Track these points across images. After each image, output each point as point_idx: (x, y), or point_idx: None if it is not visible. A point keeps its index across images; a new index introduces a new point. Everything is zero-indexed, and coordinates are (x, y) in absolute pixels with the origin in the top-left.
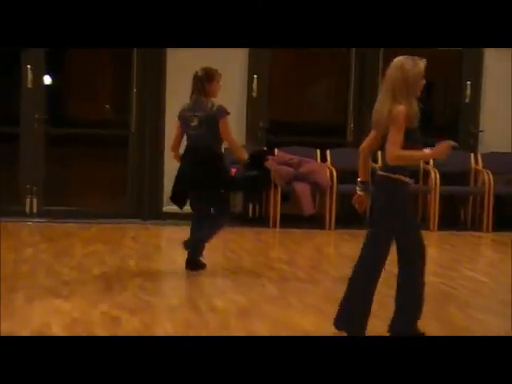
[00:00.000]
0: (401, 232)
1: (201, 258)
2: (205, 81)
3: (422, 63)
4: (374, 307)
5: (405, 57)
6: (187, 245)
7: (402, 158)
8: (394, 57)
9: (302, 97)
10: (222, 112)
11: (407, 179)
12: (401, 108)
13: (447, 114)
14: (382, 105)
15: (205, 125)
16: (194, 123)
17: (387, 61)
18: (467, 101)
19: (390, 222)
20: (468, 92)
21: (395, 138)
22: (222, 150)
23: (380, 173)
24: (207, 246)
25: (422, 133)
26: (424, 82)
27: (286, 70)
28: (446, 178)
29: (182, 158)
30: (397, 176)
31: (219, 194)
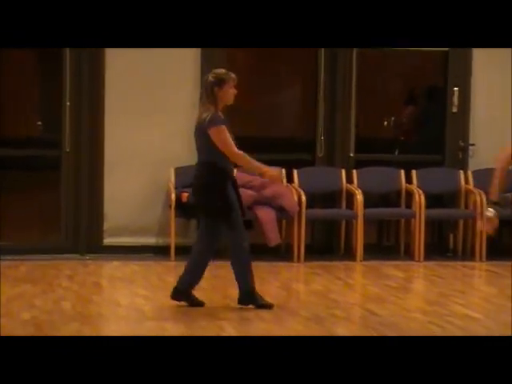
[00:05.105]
0: None
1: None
2: (215, 85)
3: None
4: None
5: None
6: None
7: None
8: (370, 56)
9: (263, 105)
10: (211, 122)
11: None
12: None
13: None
14: None
15: (198, 137)
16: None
17: (362, 61)
18: (455, 110)
19: None
20: (455, 100)
21: None
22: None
23: None
24: (156, 284)
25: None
26: None
27: (242, 74)
28: (431, 200)
29: None
30: None
31: (222, 219)
